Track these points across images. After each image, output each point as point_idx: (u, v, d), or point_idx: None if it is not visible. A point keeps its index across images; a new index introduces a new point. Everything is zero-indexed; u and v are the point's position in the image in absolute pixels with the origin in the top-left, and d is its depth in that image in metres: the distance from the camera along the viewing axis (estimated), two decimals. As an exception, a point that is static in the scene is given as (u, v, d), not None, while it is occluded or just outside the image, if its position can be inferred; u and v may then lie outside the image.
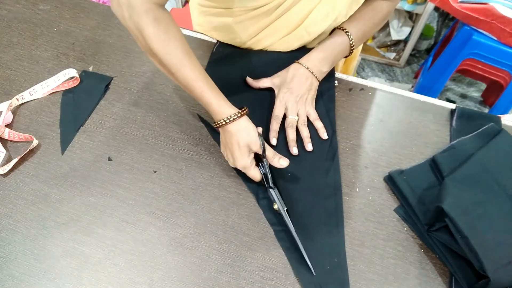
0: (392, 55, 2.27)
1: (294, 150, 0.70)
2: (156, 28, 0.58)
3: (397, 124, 0.77)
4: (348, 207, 0.66)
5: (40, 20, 0.90)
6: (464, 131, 0.73)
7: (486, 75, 1.61)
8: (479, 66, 1.58)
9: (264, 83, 0.78)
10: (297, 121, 0.73)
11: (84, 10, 0.93)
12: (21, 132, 0.71)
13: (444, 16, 2.21)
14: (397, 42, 2.27)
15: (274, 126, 0.72)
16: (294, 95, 0.73)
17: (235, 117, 0.62)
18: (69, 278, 0.57)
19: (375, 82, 0.84)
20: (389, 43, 2.28)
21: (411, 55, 2.22)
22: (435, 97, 0.83)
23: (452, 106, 0.80)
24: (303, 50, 0.80)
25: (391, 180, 0.68)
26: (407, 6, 1.93)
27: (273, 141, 0.71)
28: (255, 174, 0.64)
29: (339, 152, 0.72)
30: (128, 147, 0.71)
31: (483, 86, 2.07)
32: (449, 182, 0.63)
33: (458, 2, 1.46)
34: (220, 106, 0.62)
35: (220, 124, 0.62)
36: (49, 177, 0.66)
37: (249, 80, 0.79)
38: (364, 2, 0.77)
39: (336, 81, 0.82)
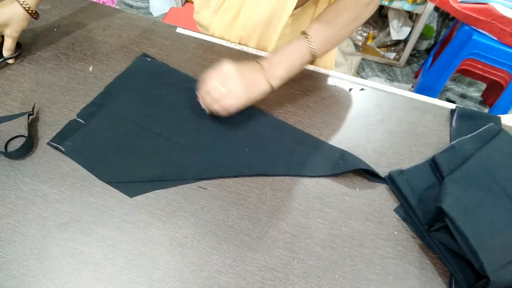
0: (392, 55, 2.27)
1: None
2: None
3: (397, 124, 0.77)
4: (348, 207, 0.66)
5: (40, 20, 0.90)
6: (464, 131, 0.73)
7: (486, 75, 1.61)
8: (479, 66, 1.58)
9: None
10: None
11: (84, 10, 0.93)
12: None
13: (444, 16, 2.21)
14: (397, 42, 2.27)
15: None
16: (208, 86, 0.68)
17: None
18: (69, 278, 0.57)
19: (375, 82, 0.84)
20: (389, 43, 2.28)
21: (411, 55, 2.23)
22: (435, 97, 0.83)
23: (452, 106, 0.80)
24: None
25: (391, 180, 0.68)
26: (407, 6, 1.93)
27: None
28: None
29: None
30: (128, 147, 0.71)
31: (483, 86, 2.08)
32: (449, 182, 0.63)
33: (458, 2, 1.46)
34: None
35: None
36: (49, 177, 0.66)
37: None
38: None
39: (336, 81, 0.82)
